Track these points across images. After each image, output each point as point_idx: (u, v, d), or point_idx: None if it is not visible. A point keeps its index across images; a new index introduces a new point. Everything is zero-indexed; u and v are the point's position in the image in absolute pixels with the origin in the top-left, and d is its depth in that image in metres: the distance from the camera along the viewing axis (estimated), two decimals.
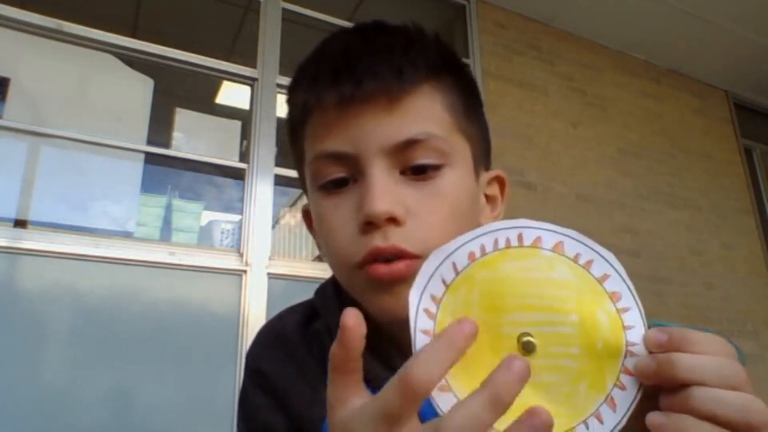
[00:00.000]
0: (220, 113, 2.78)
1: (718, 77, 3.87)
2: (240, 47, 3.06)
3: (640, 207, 3.24)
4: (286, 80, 2.44)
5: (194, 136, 2.55)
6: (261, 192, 2.26)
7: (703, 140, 3.71)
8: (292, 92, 0.51)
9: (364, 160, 0.45)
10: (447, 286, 0.31)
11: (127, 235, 2.29)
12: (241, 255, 2.14)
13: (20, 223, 2.03)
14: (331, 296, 0.57)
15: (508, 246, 0.31)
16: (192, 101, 2.93)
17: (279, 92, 2.43)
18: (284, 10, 2.59)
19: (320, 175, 0.47)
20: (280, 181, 2.37)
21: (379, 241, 0.43)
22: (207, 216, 3.09)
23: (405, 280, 0.43)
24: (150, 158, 2.34)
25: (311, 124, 0.48)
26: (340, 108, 0.45)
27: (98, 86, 2.33)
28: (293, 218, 4.36)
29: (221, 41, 3.10)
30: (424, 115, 0.46)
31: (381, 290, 0.45)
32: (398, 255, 0.44)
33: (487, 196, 0.55)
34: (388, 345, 0.51)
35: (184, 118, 2.56)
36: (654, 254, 3.18)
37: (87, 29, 2.14)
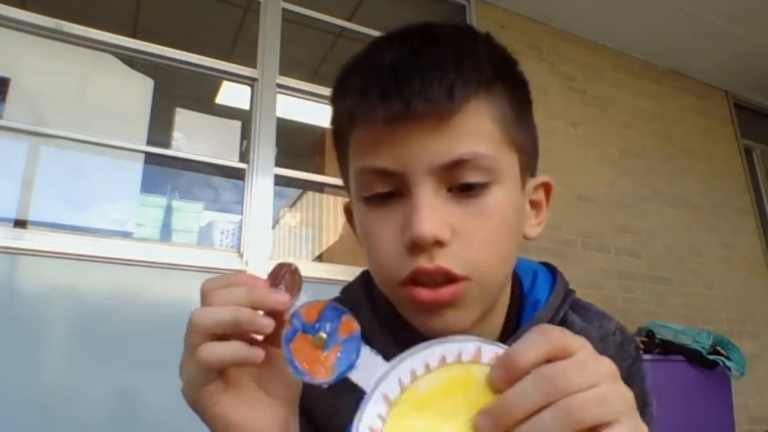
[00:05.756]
0: (220, 113, 2.78)
1: (718, 77, 3.87)
2: (240, 47, 3.06)
3: (640, 207, 3.24)
4: (286, 80, 2.44)
5: (194, 136, 2.55)
6: (261, 192, 2.26)
7: (703, 140, 3.71)
8: (337, 99, 0.51)
9: (411, 179, 0.45)
10: (391, 404, 0.34)
11: (127, 235, 2.29)
12: (241, 255, 2.14)
13: (20, 223, 2.03)
14: (363, 300, 0.57)
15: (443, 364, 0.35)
16: (192, 101, 2.94)
17: (279, 92, 2.43)
18: (284, 10, 2.59)
19: (366, 187, 0.48)
20: (280, 181, 2.37)
21: (424, 261, 0.44)
22: (207, 216, 3.09)
23: (450, 304, 0.45)
24: (150, 158, 2.34)
25: (357, 135, 0.48)
26: (388, 126, 0.44)
27: (98, 86, 2.33)
28: (293, 218, 4.36)
29: (221, 41, 3.10)
30: (473, 133, 0.46)
31: (425, 312, 0.46)
32: (444, 276, 0.44)
33: (532, 202, 0.55)
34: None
35: (184, 118, 2.56)
36: (654, 254, 3.18)
37: (87, 29, 2.14)
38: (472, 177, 0.45)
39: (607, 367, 0.33)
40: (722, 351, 2.39)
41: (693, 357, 2.30)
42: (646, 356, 2.23)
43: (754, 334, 3.36)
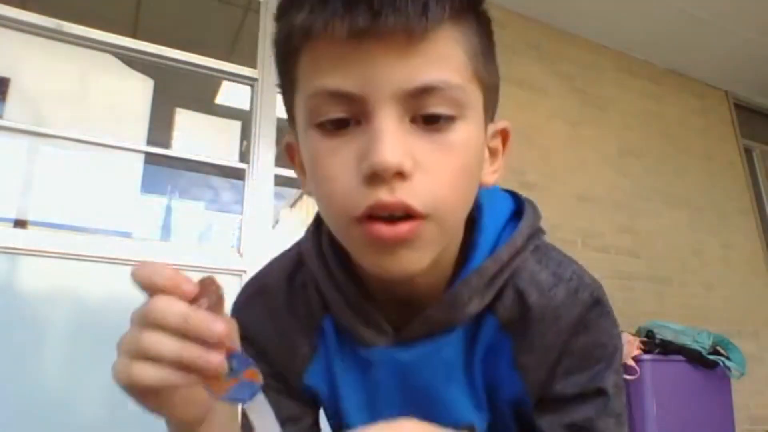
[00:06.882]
0: (220, 113, 2.78)
1: (718, 77, 3.87)
2: (240, 47, 3.06)
3: (640, 207, 3.24)
4: None
5: (194, 136, 2.55)
6: (261, 192, 2.26)
7: (703, 140, 3.71)
8: (287, 12, 0.44)
9: (374, 104, 0.41)
10: None
11: (127, 235, 2.29)
12: (241, 255, 2.14)
13: (20, 223, 2.03)
14: (312, 242, 0.56)
15: None
16: (192, 101, 2.93)
17: (279, 92, 2.43)
18: None
19: (318, 112, 0.43)
20: (280, 181, 2.37)
21: (384, 194, 0.40)
22: (207, 216, 3.09)
23: (408, 243, 0.42)
24: (150, 158, 2.34)
25: (312, 52, 0.43)
26: (352, 41, 0.40)
27: (98, 86, 2.32)
28: (293, 218, 4.36)
29: (221, 41, 3.09)
30: (445, 59, 0.42)
31: (381, 251, 0.43)
32: (403, 211, 0.41)
33: (489, 149, 0.52)
34: (370, 304, 0.52)
35: (184, 118, 2.56)
36: (654, 254, 3.17)
37: (87, 29, 2.14)
38: (439, 108, 0.42)
39: None
40: (722, 351, 2.38)
41: (693, 357, 2.30)
42: (646, 356, 2.23)
43: (754, 334, 3.36)
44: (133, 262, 1.76)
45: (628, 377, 2.16)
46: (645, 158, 3.39)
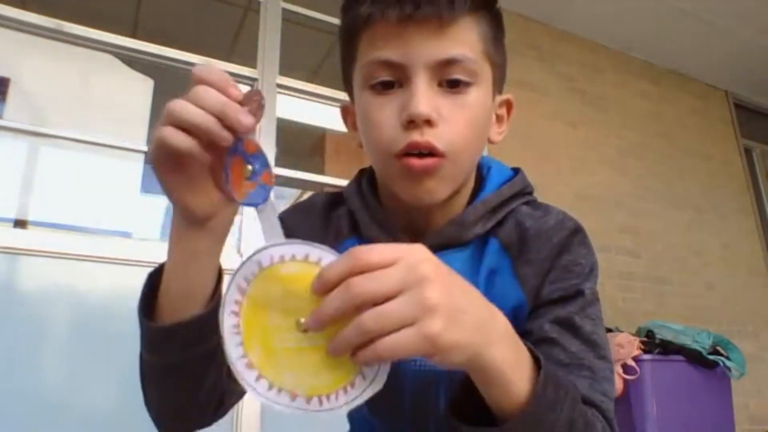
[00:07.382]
0: None
1: (718, 77, 3.87)
2: (240, 47, 3.06)
3: (640, 207, 3.24)
4: (286, 80, 2.44)
5: None
6: None
7: (703, 140, 3.71)
8: (352, 4, 0.60)
9: (412, 70, 0.56)
10: (249, 282, 0.40)
11: (127, 235, 2.29)
12: (241, 255, 2.14)
13: (20, 223, 2.03)
14: (353, 186, 0.71)
15: (283, 261, 0.41)
16: None
17: (279, 92, 2.43)
18: (284, 10, 2.58)
19: (372, 76, 0.58)
20: (280, 181, 2.37)
21: (416, 136, 0.55)
22: None
23: (432, 174, 0.57)
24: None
25: (370, 33, 0.58)
26: (399, 25, 0.55)
27: (98, 86, 2.33)
28: None
29: (221, 41, 3.10)
30: (464, 40, 0.57)
31: (412, 180, 0.57)
32: (429, 150, 0.55)
33: (497, 115, 0.68)
34: (395, 223, 0.66)
35: None
36: (654, 254, 3.17)
37: (87, 29, 2.14)
38: (459, 75, 0.57)
39: (415, 274, 0.37)
40: (722, 351, 2.38)
41: (693, 357, 2.30)
42: (646, 356, 2.23)
43: (754, 334, 3.36)
44: (133, 262, 1.76)
45: (628, 377, 2.16)
46: (645, 158, 3.39)
